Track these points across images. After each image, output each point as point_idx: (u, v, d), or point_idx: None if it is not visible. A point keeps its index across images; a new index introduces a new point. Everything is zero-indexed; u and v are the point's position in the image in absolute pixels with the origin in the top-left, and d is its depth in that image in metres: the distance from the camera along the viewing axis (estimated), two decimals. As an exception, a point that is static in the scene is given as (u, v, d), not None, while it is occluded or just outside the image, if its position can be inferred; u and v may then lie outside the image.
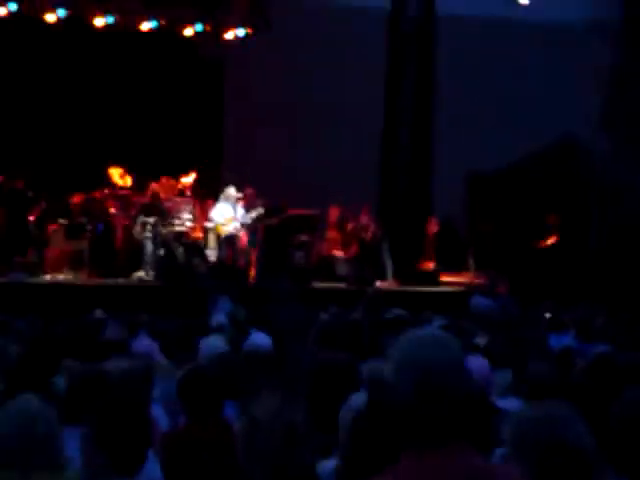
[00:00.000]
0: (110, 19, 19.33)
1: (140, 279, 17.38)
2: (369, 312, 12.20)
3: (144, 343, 8.11)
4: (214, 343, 7.25)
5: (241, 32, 20.49)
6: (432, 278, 18.69)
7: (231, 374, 5.67)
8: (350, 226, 19.11)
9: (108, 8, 19.28)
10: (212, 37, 20.63)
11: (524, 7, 18.49)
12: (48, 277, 16.89)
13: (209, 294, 15.34)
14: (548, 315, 13.84)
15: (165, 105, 21.03)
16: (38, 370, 5.92)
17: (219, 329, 10.03)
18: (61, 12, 18.84)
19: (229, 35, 20.56)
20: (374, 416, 3.66)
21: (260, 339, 7.77)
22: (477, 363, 5.73)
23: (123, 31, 19.77)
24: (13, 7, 18.41)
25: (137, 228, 17.65)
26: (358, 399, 4.16)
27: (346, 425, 3.89)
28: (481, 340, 8.91)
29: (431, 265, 19.26)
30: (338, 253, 19.15)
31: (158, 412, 5.81)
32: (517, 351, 7.35)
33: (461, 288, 18.13)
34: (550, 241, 19.42)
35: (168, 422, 5.86)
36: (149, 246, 17.59)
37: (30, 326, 10.34)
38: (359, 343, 7.33)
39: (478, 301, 13.52)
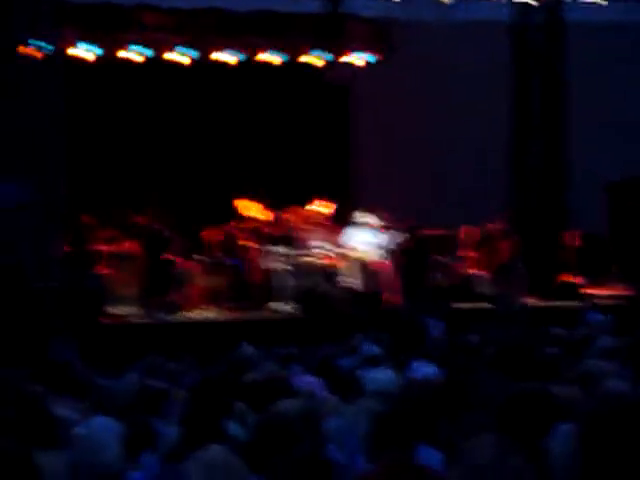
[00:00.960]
0: (235, 54, 19.43)
1: (277, 310, 17.29)
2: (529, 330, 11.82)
3: (306, 379, 7.88)
4: (383, 376, 6.97)
5: (365, 58, 20.34)
6: (574, 292, 18.18)
7: (424, 412, 5.38)
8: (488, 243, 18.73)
9: (233, 45, 19.37)
10: (337, 64, 20.53)
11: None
12: (190, 315, 16.92)
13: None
14: None
15: (293, 135, 21.01)
16: (211, 416, 5.73)
17: (373, 360, 9.78)
18: (191, 53, 18.99)
19: (355, 60, 20.43)
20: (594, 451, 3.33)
21: (426, 369, 7.48)
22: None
23: (248, 65, 19.82)
24: (142, 51, 18.61)
25: (265, 258, 17.57)
26: (565, 430, 3.84)
27: (561, 456, 3.56)
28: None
29: (574, 279, 18.74)
30: (476, 272, 18.79)
31: (334, 453, 5.56)
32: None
33: (609, 302, 17.58)
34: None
35: (346, 463, 5.61)
36: (281, 276, 17.50)
37: (184, 367, 10.21)
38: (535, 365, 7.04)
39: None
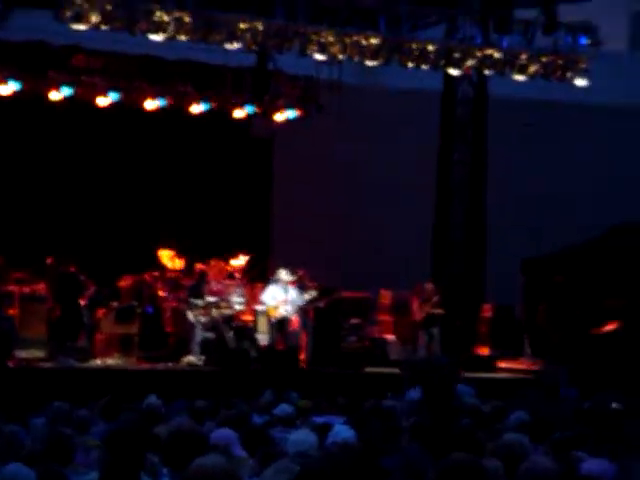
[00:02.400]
0: (162, 102, 19.34)
1: (190, 363, 17.09)
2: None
3: (223, 434, 7.72)
4: (304, 438, 6.87)
5: (292, 114, 20.43)
6: (489, 364, 18.29)
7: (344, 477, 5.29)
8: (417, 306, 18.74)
9: (160, 92, 19.30)
10: (262, 118, 20.59)
11: (580, 89, 18.27)
12: (98, 362, 16.64)
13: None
14: (615, 405, 13.38)
15: (214, 186, 20.96)
16: (127, 469, 5.58)
17: (287, 420, 9.68)
18: (114, 96, 18.86)
19: (279, 117, 20.52)
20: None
21: (345, 431, 7.40)
22: (602, 466, 5.35)
23: (174, 113, 19.76)
24: (68, 92, 18.42)
25: (187, 311, 17.42)
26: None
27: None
28: (564, 433, 8.51)
29: (486, 351, 18.89)
30: (390, 337, 18.82)
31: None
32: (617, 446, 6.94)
33: (519, 375, 17.75)
34: (610, 327, 18.98)
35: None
36: (195, 328, 17.36)
37: (92, 415, 9.99)
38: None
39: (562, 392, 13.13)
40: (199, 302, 17.46)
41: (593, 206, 20.73)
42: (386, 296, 19.04)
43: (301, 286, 17.85)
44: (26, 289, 17.01)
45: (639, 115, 20.63)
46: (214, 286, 17.91)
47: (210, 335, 17.37)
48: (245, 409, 10.36)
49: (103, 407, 11.18)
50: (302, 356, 17.70)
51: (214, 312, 17.52)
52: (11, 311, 16.61)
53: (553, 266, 20.69)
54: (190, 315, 17.43)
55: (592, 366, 17.76)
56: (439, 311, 18.49)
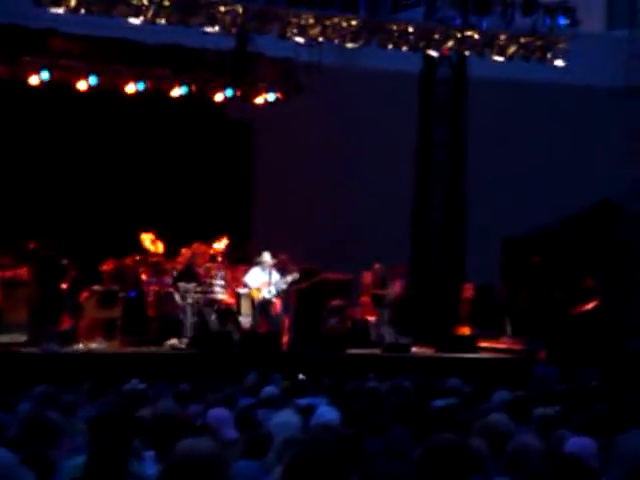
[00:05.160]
0: (141, 86, 19.30)
1: (173, 347, 17.12)
2: (415, 380, 11.88)
3: (218, 414, 7.76)
4: (288, 420, 6.92)
5: (271, 97, 20.43)
6: (470, 344, 18.40)
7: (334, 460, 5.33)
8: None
9: (139, 75, 19.26)
10: (242, 101, 20.57)
11: (558, 70, 18.35)
12: (81, 346, 16.65)
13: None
14: (594, 383, 13.53)
15: (195, 170, 20.97)
16: (114, 453, 5.62)
17: (272, 402, 9.73)
18: (93, 80, 18.81)
19: (259, 100, 20.50)
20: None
21: (329, 413, 7.45)
22: (584, 444, 5.43)
23: (153, 97, 19.72)
24: (45, 76, 18.35)
25: (178, 294, 17.42)
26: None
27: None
28: (546, 411, 8.59)
29: (467, 331, 19.00)
30: (372, 318, 18.89)
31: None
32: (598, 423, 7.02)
33: (499, 355, 17.87)
34: (588, 306, 19.11)
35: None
36: (179, 311, 17.38)
37: (78, 399, 10.02)
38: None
39: (541, 371, 13.23)
40: (184, 286, 17.45)
41: (571, 186, 20.81)
42: (368, 277, 19.10)
43: (283, 269, 17.89)
44: (8, 274, 16.98)
45: (616, 95, 20.70)
46: (199, 270, 17.93)
47: (195, 319, 17.41)
48: (232, 391, 10.43)
49: (88, 391, 11.23)
50: (285, 338, 17.75)
51: (199, 296, 17.55)
52: (-8, 296, 16.61)
53: (531, 246, 20.81)
54: (175, 299, 17.41)
55: (571, 345, 17.90)
56: (384, 292, 18.59)
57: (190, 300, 17.36)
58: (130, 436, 6.60)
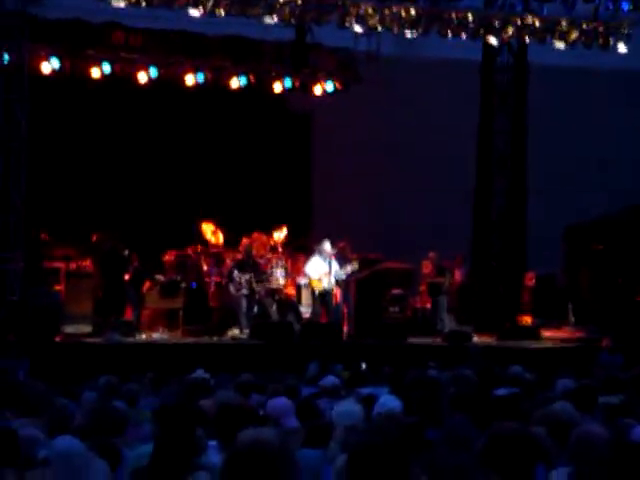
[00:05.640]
0: (201, 77, 19.39)
1: (234, 337, 17.20)
2: (477, 370, 11.82)
3: (279, 403, 7.80)
4: (350, 409, 6.93)
5: (330, 86, 20.42)
6: (533, 333, 18.26)
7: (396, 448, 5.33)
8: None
9: (199, 67, 19.36)
10: (300, 92, 20.59)
11: (621, 56, 18.12)
12: (144, 336, 16.81)
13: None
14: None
15: (254, 160, 21.03)
16: (180, 444, 5.67)
17: (333, 392, 9.74)
18: (153, 72, 18.94)
19: (318, 90, 20.50)
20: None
21: (391, 401, 7.45)
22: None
23: (213, 88, 19.82)
24: (107, 69, 18.53)
25: (232, 285, 17.50)
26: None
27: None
28: (611, 399, 8.51)
29: (529, 320, 18.86)
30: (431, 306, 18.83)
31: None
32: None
33: (562, 344, 17.73)
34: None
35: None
36: (244, 304, 17.40)
37: (141, 389, 10.11)
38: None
39: (605, 359, 13.12)
40: (245, 276, 17.50)
41: (635, 172, 20.57)
42: (428, 266, 19.02)
43: (342, 257, 17.83)
44: (72, 265, 17.19)
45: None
46: (260, 261, 17.98)
47: (257, 309, 17.47)
48: (293, 382, 10.45)
49: (151, 381, 11.34)
50: (345, 328, 17.74)
51: (257, 286, 17.60)
52: (57, 287, 16.81)
53: (593, 234, 20.60)
54: (237, 290, 17.46)
55: (635, 332, 17.70)
56: (439, 280, 18.52)
57: (245, 291, 17.39)
58: (194, 426, 6.64)
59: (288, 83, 20.27)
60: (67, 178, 19.47)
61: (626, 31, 17.84)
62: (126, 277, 17.36)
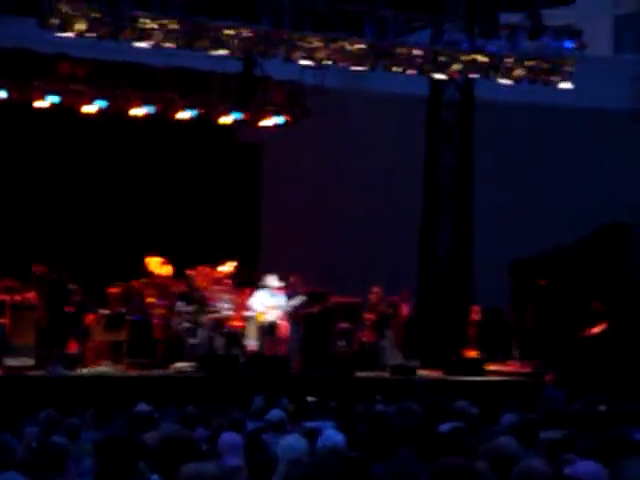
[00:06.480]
0: (148, 109, 19.35)
1: (179, 370, 17.09)
2: (423, 403, 11.83)
3: (230, 438, 7.73)
4: (295, 443, 6.89)
5: (279, 120, 20.46)
6: (477, 367, 18.34)
7: None
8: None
9: (146, 99, 19.32)
10: (249, 124, 20.62)
11: (565, 93, 18.37)
12: (87, 369, 16.63)
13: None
14: (603, 408, 13.43)
15: (203, 193, 21.00)
16: (119, 477, 5.60)
17: (279, 426, 9.69)
18: (100, 104, 18.88)
19: (267, 122, 20.54)
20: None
21: (335, 436, 7.42)
22: (592, 469, 5.38)
23: (161, 120, 19.77)
24: (55, 100, 18.43)
25: (176, 317, 17.43)
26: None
27: None
28: (553, 434, 8.54)
29: (475, 354, 18.94)
30: (380, 340, 18.83)
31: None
32: (607, 447, 6.95)
33: (507, 378, 17.80)
34: (596, 329, 19.05)
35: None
36: (186, 335, 17.36)
37: (83, 423, 10.00)
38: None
39: (549, 393, 13.18)
40: (191, 309, 17.47)
41: (579, 209, 20.79)
42: (377, 293, 18.95)
43: (293, 292, 17.86)
44: (17, 297, 17.00)
45: (623, 118, 20.70)
46: (203, 292, 17.93)
47: (199, 341, 17.39)
48: (239, 415, 10.38)
49: (94, 415, 11.20)
50: (292, 362, 17.70)
51: (205, 319, 17.54)
52: (1, 320, 16.61)
53: (539, 268, 20.76)
54: (182, 322, 17.41)
55: (580, 368, 17.83)
56: (388, 311, 18.55)
57: (188, 323, 17.34)
58: (135, 459, 6.57)
59: (236, 115, 20.28)
60: (9, 209, 19.29)
61: (569, 69, 18.09)
62: (70, 310, 17.19)
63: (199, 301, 17.65)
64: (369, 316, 18.90)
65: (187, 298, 17.62)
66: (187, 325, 17.39)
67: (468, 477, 4.29)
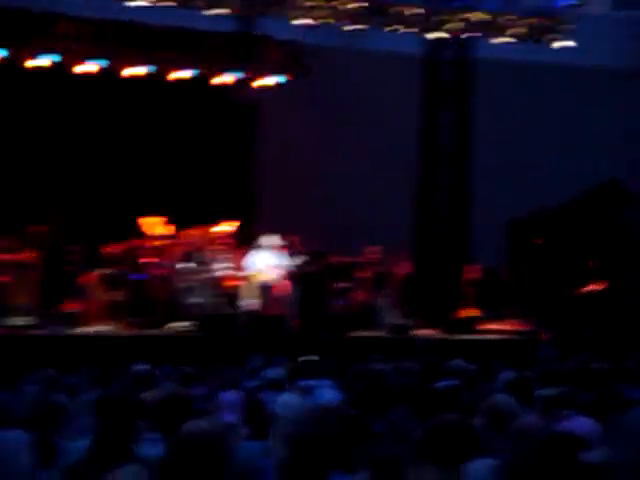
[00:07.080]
0: (145, 69, 19.26)
1: (178, 329, 17.15)
2: (423, 363, 11.89)
3: (230, 396, 7.79)
4: (291, 401, 6.96)
5: (277, 79, 20.37)
6: (474, 326, 18.40)
7: (336, 439, 5.37)
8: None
9: (143, 58, 19.23)
10: (247, 84, 20.55)
11: (564, 51, 18.31)
12: (87, 329, 16.69)
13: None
14: (598, 365, 13.49)
15: (198, 153, 20.96)
16: (118, 435, 5.66)
17: (276, 384, 9.76)
18: (96, 63, 18.80)
19: (264, 82, 20.45)
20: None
21: (331, 394, 7.49)
22: (588, 425, 5.44)
23: (158, 80, 19.70)
24: (51, 59, 18.35)
25: (175, 277, 17.46)
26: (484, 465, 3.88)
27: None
28: (549, 392, 8.61)
29: (472, 312, 18.99)
30: (377, 299, 18.88)
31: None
32: (601, 404, 7.03)
33: (504, 336, 17.88)
34: (592, 287, 19.11)
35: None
36: (183, 294, 17.40)
37: (82, 382, 10.06)
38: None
39: (544, 351, 13.26)
40: (188, 269, 17.49)
41: (577, 167, 20.79)
42: (375, 252, 18.97)
43: (293, 252, 17.89)
44: (16, 257, 17.01)
45: (621, 76, 20.64)
46: (203, 253, 17.96)
47: (200, 301, 17.44)
48: (236, 374, 10.45)
49: (93, 373, 11.26)
50: (291, 321, 17.76)
51: (203, 279, 17.58)
52: (3, 278, 16.64)
53: (535, 228, 20.77)
54: (179, 282, 17.45)
55: (574, 326, 17.91)
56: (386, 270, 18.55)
57: (187, 283, 17.38)
58: (134, 417, 6.63)
59: (235, 75, 20.20)
60: (7, 170, 19.27)
61: (568, 27, 18.02)
62: (68, 269, 17.22)
63: (198, 261, 17.68)
64: (367, 275, 18.95)
65: (185, 258, 17.65)
66: (186, 285, 17.42)
67: (462, 432, 4.34)
